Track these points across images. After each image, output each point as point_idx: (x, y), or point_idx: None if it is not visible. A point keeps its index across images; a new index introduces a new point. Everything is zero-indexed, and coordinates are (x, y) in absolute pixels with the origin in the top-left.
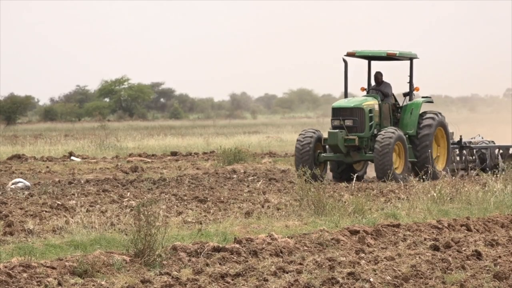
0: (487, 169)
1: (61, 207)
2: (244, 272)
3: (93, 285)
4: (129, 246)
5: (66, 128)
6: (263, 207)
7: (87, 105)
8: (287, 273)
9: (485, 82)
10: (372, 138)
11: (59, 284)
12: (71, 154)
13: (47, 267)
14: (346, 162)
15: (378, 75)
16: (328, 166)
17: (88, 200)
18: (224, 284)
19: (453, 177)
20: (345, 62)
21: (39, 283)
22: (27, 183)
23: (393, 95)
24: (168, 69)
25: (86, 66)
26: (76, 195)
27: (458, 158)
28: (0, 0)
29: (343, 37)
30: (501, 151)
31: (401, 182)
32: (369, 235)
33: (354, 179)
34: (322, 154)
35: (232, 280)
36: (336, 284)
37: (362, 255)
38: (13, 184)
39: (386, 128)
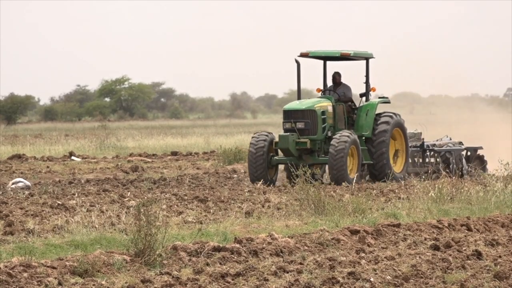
0: (451, 172)
1: (61, 207)
2: (244, 272)
3: (94, 285)
4: (129, 245)
5: (66, 128)
6: (263, 206)
7: (87, 105)
8: (287, 272)
9: (485, 81)
10: (326, 141)
11: (60, 283)
12: (71, 154)
13: (48, 266)
14: (298, 166)
15: (336, 76)
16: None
17: (89, 200)
18: (224, 284)
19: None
20: (298, 63)
21: (39, 282)
22: (28, 183)
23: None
24: (169, 69)
25: (87, 66)
26: (76, 195)
27: (421, 161)
28: (0, 0)
29: (343, 37)
30: (468, 153)
31: (353, 185)
32: (370, 235)
33: (353, 180)
34: (275, 157)
35: (233, 279)
36: (336, 283)
37: (363, 254)
38: (13, 183)
39: (341, 132)
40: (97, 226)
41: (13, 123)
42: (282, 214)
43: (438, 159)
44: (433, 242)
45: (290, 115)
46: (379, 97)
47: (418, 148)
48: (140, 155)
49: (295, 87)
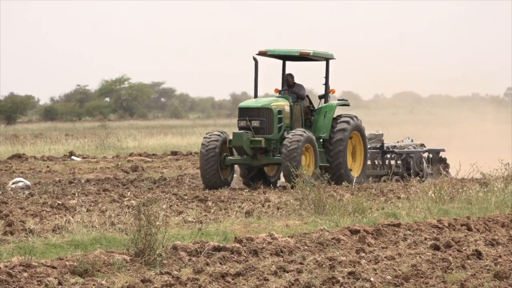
0: (412, 174)
1: (61, 207)
2: (244, 272)
3: (94, 285)
4: (129, 245)
5: (66, 128)
6: (263, 206)
7: (87, 105)
8: (287, 272)
9: (485, 81)
10: (282, 141)
11: (60, 283)
12: (71, 153)
13: (48, 266)
14: (253, 166)
15: (289, 77)
16: (239, 171)
17: (89, 199)
18: (224, 284)
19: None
20: (256, 61)
21: (39, 282)
22: (28, 183)
23: (308, 97)
24: (169, 69)
25: (87, 66)
26: (76, 195)
27: (381, 163)
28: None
29: (343, 36)
30: (430, 155)
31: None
32: (370, 235)
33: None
34: (229, 157)
35: (233, 279)
36: (336, 283)
37: (363, 254)
38: (13, 183)
39: (294, 131)
40: (97, 225)
41: (13, 122)
42: (282, 213)
43: (398, 162)
44: (433, 242)
45: (245, 113)
46: (339, 99)
47: (378, 150)
48: (140, 155)
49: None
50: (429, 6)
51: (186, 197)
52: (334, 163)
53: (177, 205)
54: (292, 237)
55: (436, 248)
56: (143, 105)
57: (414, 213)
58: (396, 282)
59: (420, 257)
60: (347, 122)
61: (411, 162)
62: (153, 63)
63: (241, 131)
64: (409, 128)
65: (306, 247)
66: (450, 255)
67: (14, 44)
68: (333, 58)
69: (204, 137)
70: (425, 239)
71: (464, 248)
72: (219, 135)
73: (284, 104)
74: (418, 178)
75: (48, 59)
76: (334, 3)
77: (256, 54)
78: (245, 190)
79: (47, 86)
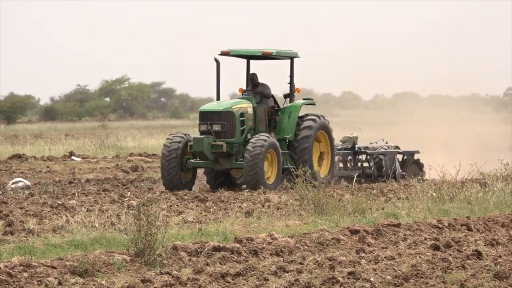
0: (384, 176)
1: (61, 207)
2: (244, 272)
3: (94, 285)
4: (129, 245)
5: (66, 128)
6: (263, 206)
7: (87, 105)
8: (287, 272)
9: (485, 81)
10: (245, 144)
11: (60, 283)
12: (71, 153)
13: (48, 266)
14: (216, 170)
15: (254, 77)
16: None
17: (89, 199)
18: (224, 284)
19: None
20: (217, 62)
21: (39, 282)
22: (28, 183)
23: (273, 97)
24: (169, 69)
25: (87, 66)
26: (76, 195)
27: (352, 164)
28: None
29: (343, 34)
30: (405, 157)
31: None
32: (370, 235)
33: (355, 179)
34: (191, 160)
35: (233, 279)
36: (336, 283)
37: (363, 254)
38: (13, 183)
39: (257, 135)
40: (97, 226)
41: (13, 122)
42: (282, 214)
43: (371, 163)
44: (433, 242)
45: (206, 117)
46: (304, 98)
47: (350, 151)
48: (140, 155)
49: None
50: (429, 6)
51: (186, 197)
52: (299, 161)
53: (177, 205)
54: (292, 237)
55: (436, 248)
56: (143, 105)
57: (414, 213)
58: (396, 282)
59: (420, 257)
60: (313, 120)
61: (383, 163)
62: (153, 63)
63: (201, 136)
64: (391, 130)
65: (306, 247)
66: (450, 255)
67: (14, 44)
68: (297, 57)
69: (167, 138)
70: (425, 239)
71: (464, 248)
72: (182, 137)
73: (247, 106)
74: (391, 179)
75: (48, 59)
76: (334, 3)
77: (219, 55)
78: (245, 190)
79: (47, 86)
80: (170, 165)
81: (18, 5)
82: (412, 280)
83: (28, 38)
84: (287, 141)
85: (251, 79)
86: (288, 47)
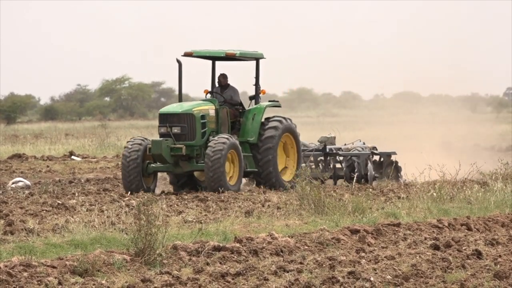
0: (357, 177)
1: (61, 206)
2: (244, 271)
3: (94, 284)
4: (129, 245)
5: (66, 127)
6: (263, 206)
7: (87, 104)
8: (287, 272)
9: (485, 81)
10: (207, 147)
11: (60, 283)
12: (71, 153)
13: (48, 266)
14: (176, 174)
15: (221, 78)
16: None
17: (89, 199)
18: (224, 284)
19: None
20: (179, 63)
21: (39, 282)
22: (28, 182)
23: (241, 104)
24: (169, 69)
25: (87, 65)
26: (76, 194)
27: (324, 166)
28: None
29: (343, 35)
30: (382, 158)
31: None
32: (370, 234)
33: (355, 179)
34: (151, 165)
35: (233, 279)
36: (336, 283)
37: (363, 254)
38: (13, 183)
39: (217, 137)
40: (97, 225)
41: (13, 122)
42: (282, 213)
43: (343, 164)
44: (433, 241)
45: (165, 119)
46: (269, 101)
47: (321, 153)
48: None
49: (294, 86)
50: (429, 6)
51: (186, 196)
52: (262, 161)
53: (177, 205)
54: (292, 237)
55: (436, 247)
56: (143, 105)
57: (414, 213)
58: (396, 282)
59: (420, 256)
60: (279, 121)
61: (356, 165)
62: (153, 63)
63: (160, 138)
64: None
65: (306, 247)
66: (450, 254)
67: (14, 44)
68: (263, 58)
69: (127, 142)
70: (425, 238)
71: (464, 248)
72: (142, 141)
73: (209, 108)
74: (363, 181)
75: (48, 59)
76: (334, 3)
77: (182, 56)
78: (245, 190)
79: (47, 86)
80: (131, 170)
81: (18, 5)
82: (412, 280)
83: (28, 38)
84: (251, 144)
85: (219, 79)
86: (288, 47)
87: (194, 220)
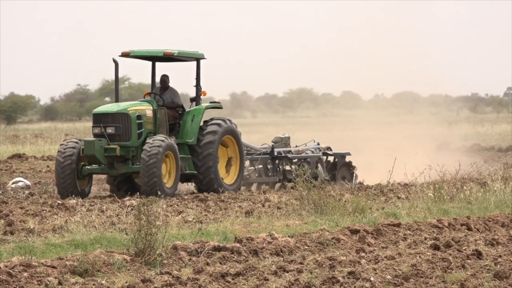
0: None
1: (61, 206)
2: (244, 272)
3: (94, 285)
4: (129, 245)
5: (66, 127)
6: (263, 206)
7: (88, 104)
8: (287, 272)
9: (485, 81)
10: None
11: (60, 283)
12: None
13: (48, 266)
14: (111, 175)
15: (165, 78)
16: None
17: (89, 199)
18: (224, 284)
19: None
20: (116, 63)
21: (39, 282)
22: (28, 182)
23: (182, 107)
24: (169, 69)
25: (87, 65)
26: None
27: (272, 170)
28: None
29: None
30: (336, 160)
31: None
32: (370, 235)
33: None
34: (86, 167)
35: (233, 279)
36: (336, 283)
37: (363, 254)
38: (13, 183)
39: (153, 138)
40: (97, 225)
41: (13, 122)
42: (282, 213)
43: (293, 167)
44: (433, 241)
45: (99, 119)
46: (210, 102)
47: (268, 156)
48: None
49: (294, 87)
50: (429, 6)
51: (186, 196)
52: (203, 168)
53: (177, 205)
54: (292, 237)
55: (436, 248)
56: None
57: (414, 213)
58: (396, 282)
59: (420, 257)
60: (218, 124)
61: (306, 167)
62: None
63: (93, 138)
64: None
65: (306, 247)
66: (450, 255)
67: (15, 44)
68: (203, 58)
69: (61, 144)
70: (425, 239)
71: (464, 248)
72: (76, 143)
73: (145, 109)
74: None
75: (48, 59)
76: (335, 3)
77: (119, 56)
78: (245, 190)
79: (47, 86)
80: (65, 172)
81: (19, 4)
82: (412, 280)
83: (28, 38)
84: (190, 146)
85: (162, 81)
86: (288, 47)
87: (194, 220)
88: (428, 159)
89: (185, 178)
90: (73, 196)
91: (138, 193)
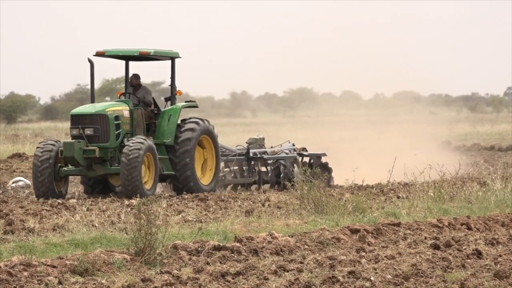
0: (282, 181)
1: (61, 206)
2: (244, 271)
3: (94, 284)
4: (129, 244)
5: (66, 127)
6: (263, 205)
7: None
8: (287, 271)
9: (485, 80)
10: (121, 149)
11: (60, 282)
12: None
13: (48, 265)
14: (90, 177)
15: (133, 78)
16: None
17: (89, 198)
18: (224, 283)
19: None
20: (91, 63)
21: (39, 281)
22: (28, 182)
23: (154, 100)
24: (168, 68)
25: (87, 65)
26: (76, 194)
27: (248, 171)
28: None
29: (343, 35)
30: (312, 160)
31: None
32: (370, 234)
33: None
34: (63, 168)
35: (233, 279)
36: (336, 283)
37: (363, 254)
38: (13, 182)
39: (134, 138)
40: (97, 225)
41: (13, 122)
42: (282, 213)
43: (269, 168)
44: (433, 241)
45: (78, 121)
46: (186, 101)
47: (243, 157)
48: None
49: (294, 86)
50: (429, 6)
51: (186, 196)
52: (179, 165)
53: (177, 204)
54: (292, 237)
55: (436, 247)
56: None
57: (414, 212)
58: (396, 282)
59: (420, 256)
60: (196, 123)
61: (282, 169)
62: (152, 63)
63: (72, 140)
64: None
65: (306, 247)
66: (450, 254)
67: (15, 43)
68: (179, 57)
69: (38, 147)
70: (425, 238)
71: (464, 248)
72: (53, 144)
73: (123, 109)
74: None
75: (48, 58)
76: (335, 3)
77: (94, 55)
78: (245, 190)
79: (47, 85)
80: (43, 175)
81: (19, 4)
82: (412, 280)
83: (29, 37)
84: (167, 146)
85: (131, 80)
86: (288, 47)
87: (194, 220)
88: (428, 158)
89: (161, 178)
90: (50, 198)
91: (111, 194)
